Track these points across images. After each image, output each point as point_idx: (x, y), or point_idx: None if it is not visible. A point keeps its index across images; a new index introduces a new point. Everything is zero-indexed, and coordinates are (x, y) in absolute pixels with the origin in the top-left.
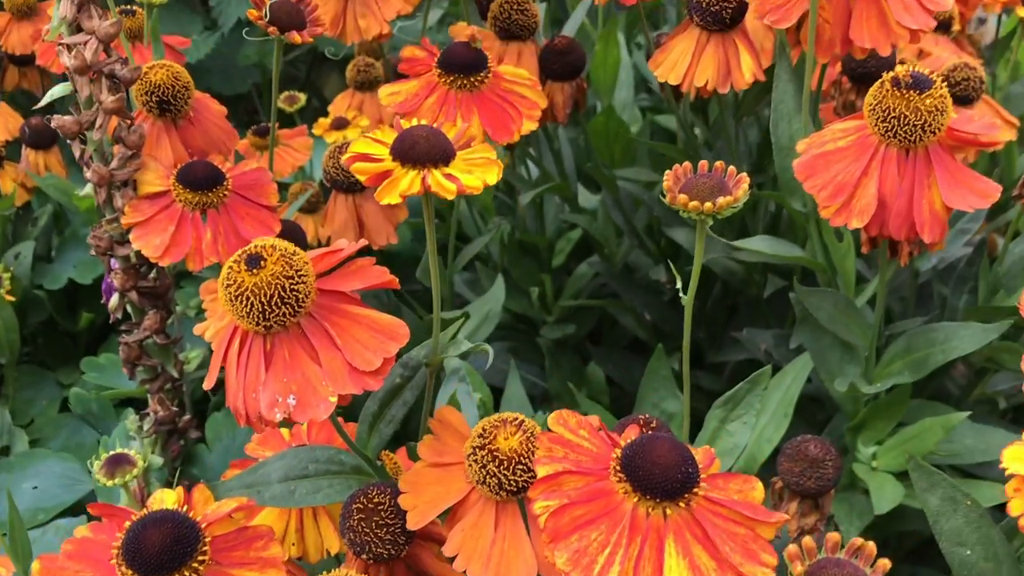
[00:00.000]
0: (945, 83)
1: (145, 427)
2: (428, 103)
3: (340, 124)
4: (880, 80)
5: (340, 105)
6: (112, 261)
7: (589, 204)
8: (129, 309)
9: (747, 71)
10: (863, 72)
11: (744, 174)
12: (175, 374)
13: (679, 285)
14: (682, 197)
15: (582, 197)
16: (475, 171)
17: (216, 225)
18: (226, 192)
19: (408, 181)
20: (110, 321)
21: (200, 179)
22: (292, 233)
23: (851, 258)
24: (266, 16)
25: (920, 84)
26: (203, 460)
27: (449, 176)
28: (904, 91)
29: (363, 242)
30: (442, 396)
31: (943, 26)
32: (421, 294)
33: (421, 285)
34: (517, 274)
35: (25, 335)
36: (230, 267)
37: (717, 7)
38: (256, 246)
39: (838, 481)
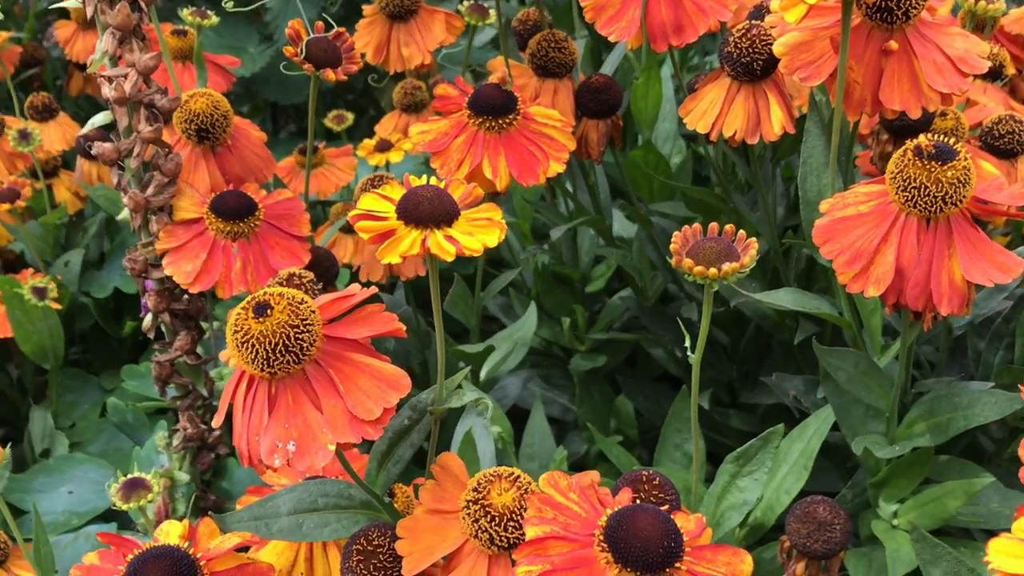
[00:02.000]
0: (987, 137)
1: (174, 443)
2: (457, 143)
3: (384, 146)
4: (903, 148)
5: (387, 126)
6: (147, 282)
7: (627, 232)
8: (162, 328)
9: (776, 123)
10: (900, 125)
11: (753, 239)
12: (205, 393)
13: (687, 344)
14: (687, 261)
15: (621, 225)
16: (477, 233)
17: (246, 254)
18: (257, 222)
19: (409, 242)
20: (143, 338)
21: (232, 209)
22: (322, 261)
23: (879, 314)
24: (302, 53)
25: (943, 155)
26: (232, 474)
27: (449, 238)
28: (926, 161)
29: (373, 290)
30: (459, 431)
31: (993, 74)
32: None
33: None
34: (550, 303)
35: (73, 338)
36: (238, 314)
37: (748, 58)
38: (265, 294)
39: (846, 545)
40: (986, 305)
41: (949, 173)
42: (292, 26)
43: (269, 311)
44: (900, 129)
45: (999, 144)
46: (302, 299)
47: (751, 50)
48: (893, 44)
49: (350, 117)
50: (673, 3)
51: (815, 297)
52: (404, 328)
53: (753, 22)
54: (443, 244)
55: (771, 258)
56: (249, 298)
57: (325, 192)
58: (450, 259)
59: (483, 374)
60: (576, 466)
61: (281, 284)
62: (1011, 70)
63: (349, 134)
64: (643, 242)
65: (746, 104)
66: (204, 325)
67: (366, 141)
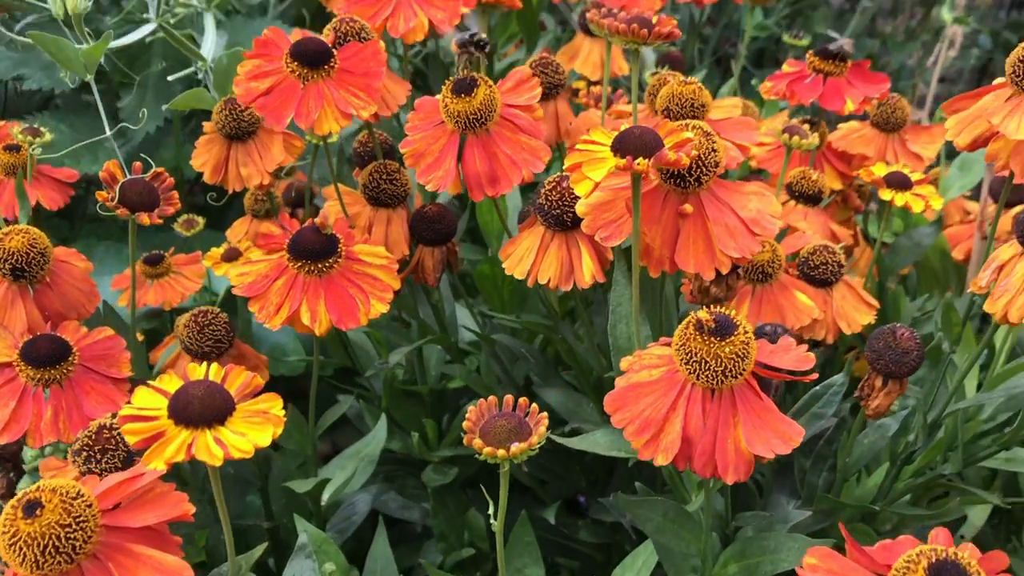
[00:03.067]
0: (804, 266)
1: None
2: (276, 286)
3: (231, 256)
4: (686, 320)
5: (238, 231)
6: None
7: None
8: None
9: (587, 272)
10: None
11: (544, 415)
12: None
13: (490, 511)
14: (477, 442)
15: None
16: (249, 432)
17: (58, 402)
18: (71, 367)
19: (176, 446)
20: None
21: (43, 355)
22: None
23: None
24: (115, 198)
25: (722, 330)
26: None
27: (218, 440)
28: (706, 336)
29: (161, 470)
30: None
31: (812, 199)
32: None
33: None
34: (400, 415)
35: None
36: (7, 513)
37: (558, 211)
38: (38, 489)
39: None
40: (811, 426)
41: (727, 349)
42: (107, 169)
43: (39, 510)
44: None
45: (815, 274)
46: (77, 493)
47: (560, 203)
48: (688, 208)
49: (201, 222)
50: (488, 156)
51: None
52: (192, 511)
53: (564, 174)
54: (211, 448)
55: (606, 386)
56: (20, 494)
57: (170, 302)
58: (218, 463)
59: (326, 498)
60: None
61: (90, 439)
62: (838, 185)
63: (223, 225)
64: (489, 358)
65: (559, 253)
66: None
67: (213, 250)
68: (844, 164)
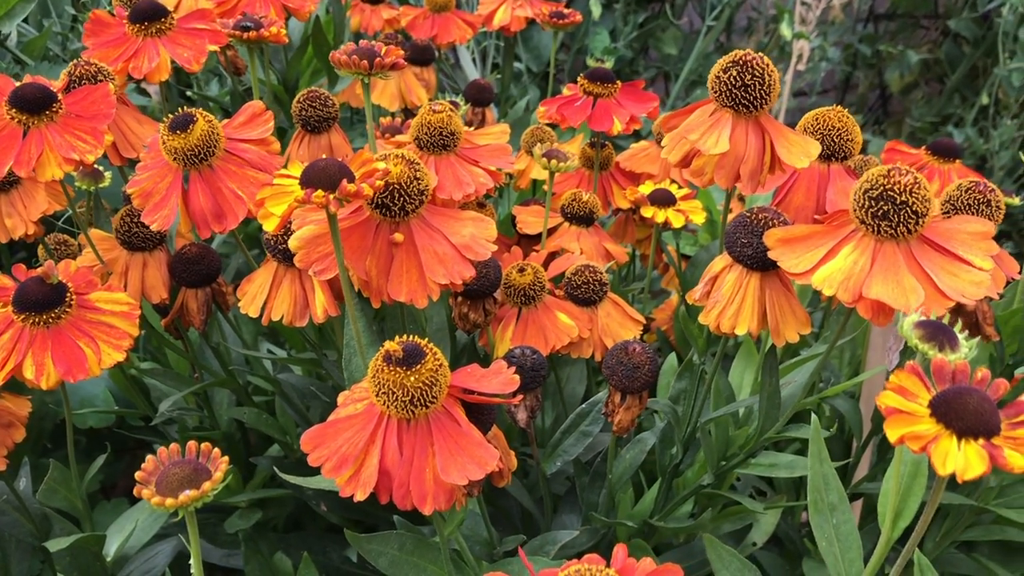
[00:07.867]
0: (568, 286)
1: None
2: (2, 340)
3: None
4: (378, 352)
5: None
6: None
7: None
8: None
9: (320, 308)
10: (471, 288)
11: (225, 459)
12: None
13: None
14: (146, 492)
15: None
16: None
17: None
18: None
19: None
20: None
21: None
22: None
23: None
24: None
25: (409, 360)
26: None
27: None
28: (393, 366)
29: None
30: None
31: (584, 220)
32: None
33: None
34: None
35: None
36: None
37: (284, 245)
38: None
39: None
40: (579, 444)
41: (413, 378)
42: None
43: None
44: (472, 292)
45: (578, 293)
46: None
47: (287, 237)
48: (398, 237)
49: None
50: (211, 192)
51: None
52: None
53: None
54: None
55: None
56: None
57: None
58: None
59: (112, 552)
60: None
61: None
62: (626, 204)
63: None
64: (280, 399)
65: (292, 288)
66: None
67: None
68: (632, 183)
